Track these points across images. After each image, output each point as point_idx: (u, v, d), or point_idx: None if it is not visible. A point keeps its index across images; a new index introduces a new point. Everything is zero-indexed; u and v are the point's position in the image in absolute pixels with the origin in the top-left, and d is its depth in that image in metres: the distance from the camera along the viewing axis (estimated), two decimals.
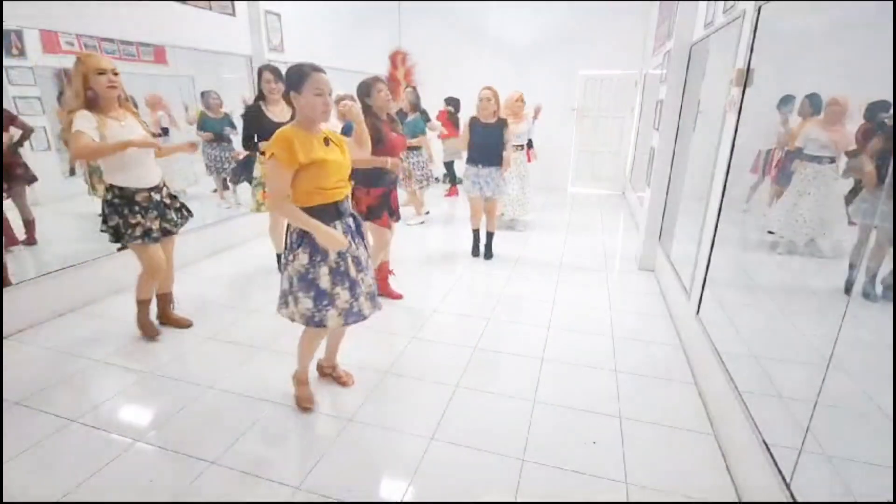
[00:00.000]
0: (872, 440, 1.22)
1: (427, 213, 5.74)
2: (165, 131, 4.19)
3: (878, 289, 1.26)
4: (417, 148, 5.22)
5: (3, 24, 2.69)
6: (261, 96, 3.33)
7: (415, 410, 2.21)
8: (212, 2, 4.15)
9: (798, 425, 1.43)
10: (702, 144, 3.10)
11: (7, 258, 2.89)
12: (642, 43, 6.65)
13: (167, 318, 2.94)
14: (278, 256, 3.77)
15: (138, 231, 2.53)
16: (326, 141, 1.91)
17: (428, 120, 5.53)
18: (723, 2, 2.73)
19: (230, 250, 4.45)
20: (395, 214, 3.15)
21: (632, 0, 6.45)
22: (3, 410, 2.15)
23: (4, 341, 2.74)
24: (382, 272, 3.37)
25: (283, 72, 2.29)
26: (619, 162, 7.51)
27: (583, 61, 7.08)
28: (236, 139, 4.56)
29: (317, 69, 1.83)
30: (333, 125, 2.92)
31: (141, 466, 1.86)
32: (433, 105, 6.50)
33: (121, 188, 2.47)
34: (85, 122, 2.26)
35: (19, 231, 3.19)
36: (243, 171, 4.02)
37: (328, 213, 1.90)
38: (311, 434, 2.07)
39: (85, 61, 2.30)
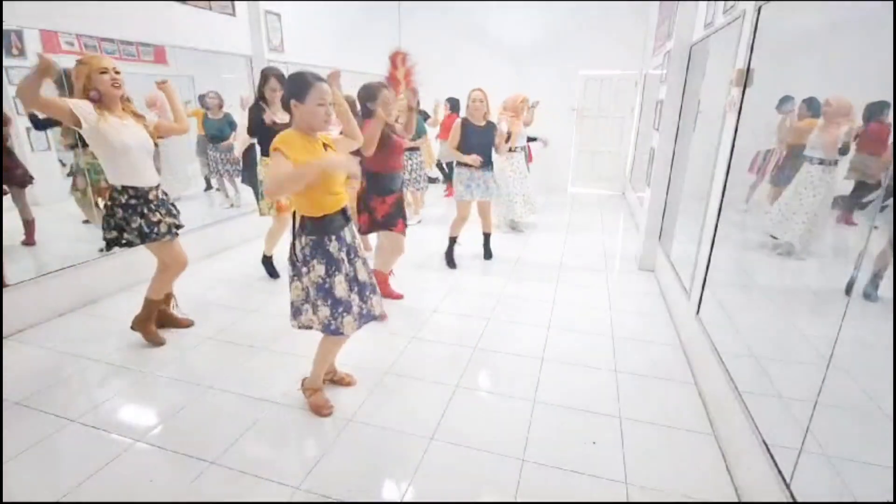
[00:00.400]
0: (872, 440, 1.22)
1: (419, 221, 5.71)
2: None
3: (880, 290, 1.25)
4: (416, 149, 5.23)
5: (3, 24, 2.69)
6: (262, 98, 3.32)
7: (415, 410, 2.21)
8: (212, 2, 4.15)
9: (798, 425, 1.42)
10: (702, 144, 3.10)
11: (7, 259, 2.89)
12: (642, 43, 6.65)
13: (167, 319, 2.94)
14: (268, 259, 3.75)
15: (163, 227, 2.55)
16: (325, 147, 1.97)
17: (427, 117, 5.54)
18: (723, 2, 2.73)
19: (230, 250, 4.45)
20: (405, 219, 3.17)
21: (632, 0, 6.46)
22: (3, 410, 2.15)
23: (4, 341, 2.74)
24: (383, 273, 3.37)
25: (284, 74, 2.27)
26: (619, 162, 7.50)
27: (583, 61, 7.07)
28: (236, 142, 4.56)
29: (319, 79, 1.85)
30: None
31: (141, 466, 1.86)
32: (432, 105, 6.52)
33: (135, 188, 2.46)
34: (85, 109, 2.24)
35: (19, 232, 3.19)
36: (247, 173, 4.01)
37: (337, 221, 1.97)
38: (311, 434, 2.07)
39: (88, 61, 2.30)
